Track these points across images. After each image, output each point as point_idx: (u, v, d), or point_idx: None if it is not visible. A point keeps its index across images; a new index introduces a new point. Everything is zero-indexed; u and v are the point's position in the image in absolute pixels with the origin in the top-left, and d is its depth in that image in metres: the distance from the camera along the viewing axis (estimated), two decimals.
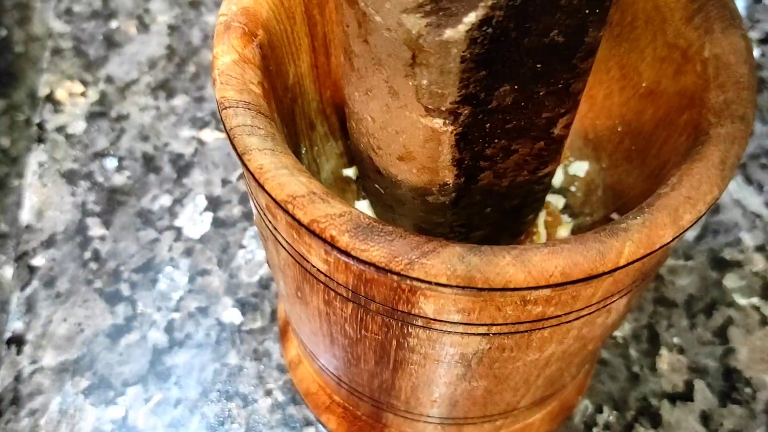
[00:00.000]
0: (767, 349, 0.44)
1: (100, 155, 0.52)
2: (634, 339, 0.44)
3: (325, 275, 0.25)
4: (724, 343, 0.44)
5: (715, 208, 0.50)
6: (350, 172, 0.37)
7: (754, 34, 0.60)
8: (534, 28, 0.21)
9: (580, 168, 0.36)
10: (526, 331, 0.25)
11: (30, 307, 0.45)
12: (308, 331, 0.31)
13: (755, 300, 0.46)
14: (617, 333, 0.44)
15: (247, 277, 0.47)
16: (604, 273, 0.22)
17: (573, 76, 0.24)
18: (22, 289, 0.46)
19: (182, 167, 0.52)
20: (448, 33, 0.21)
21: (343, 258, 0.23)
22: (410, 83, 0.23)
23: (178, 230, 0.49)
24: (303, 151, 0.33)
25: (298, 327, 0.34)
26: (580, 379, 0.40)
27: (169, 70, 0.57)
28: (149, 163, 0.52)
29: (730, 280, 0.47)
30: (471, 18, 0.20)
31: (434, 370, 0.28)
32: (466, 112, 0.24)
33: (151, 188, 0.51)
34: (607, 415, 0.42)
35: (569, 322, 0.25)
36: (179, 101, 0.55)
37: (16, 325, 0.45)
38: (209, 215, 0.49)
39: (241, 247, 0.48)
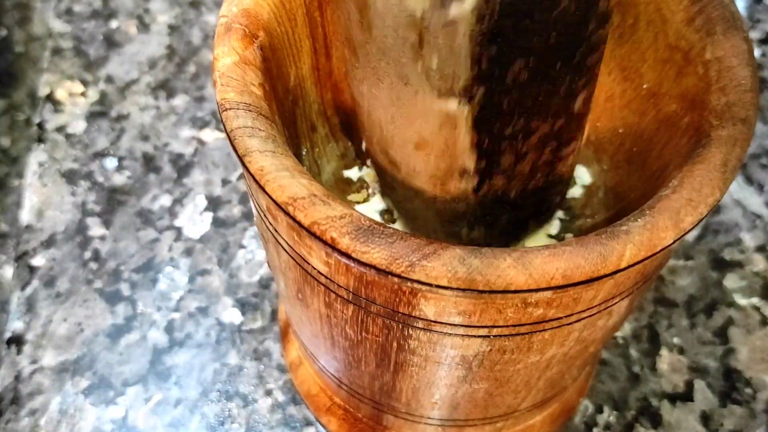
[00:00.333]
0: (767, 349, 0.44)
1: (100, 155, 0.52)
2: (634, 339, 0.44)
3: (326, 277, 0.25)
4: (724, 343, 0.44)
5: (715, 208, 0.50)
6: (351, 173, 0.37)
7: (754, 34, 0.60)
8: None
9: (581, 173, 0.36)
10: (527, 334, 0.25)
11: (30, 306, 0.45)
12: (309, 332, 0.31)
13: (755, 300, 0.46)
14: (617, 333, 0.44)
15: (247, 277, 0.47)
16: (606, 275, 0.22)
17: (587, 48, 0.23)
18: (22, 288, 0.46)
19: (182, 167, 0.51)
20: (454, 10, 0.20)
21: (344, 260, 0.23)
22: (419, 67, 0.23)
23: (178, 230, 0.49)
24: (304, 153, 0.33)
25: (298, 329, 0.34)
26: (581, 380, 0.40)
27: (170, 70, 0.57)
28: (149, 162, 0.52)
29: (731, 281, 0.47)
30: None
31: (435, 372, 0.28)
32: (480, 91, 0.23)
33: (151, 188, 0.50)
34: (608, 415, 0.42)
35: (570, 324, 0.25)
36: (179, 101, 0.55)
37: (16, 325, 0.45)
38: (209, 215, 0.49)
39: (241, 247, 0.48)
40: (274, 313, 0.45)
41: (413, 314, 0.24)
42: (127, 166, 0.52)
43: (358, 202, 0.36)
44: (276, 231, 0.26)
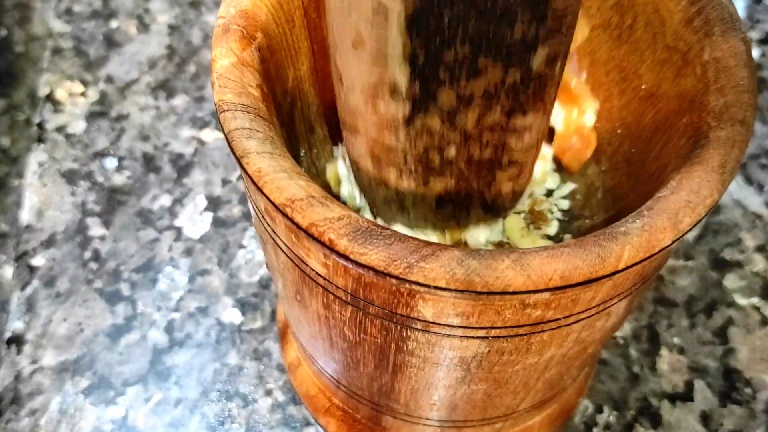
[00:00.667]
0: (767, 349, 0.44)
1: (100, 155, 0.52)
2: (634, 339, 0.44)
3: (324, 279, 0.25)
4: (724, 343, 0.44)
5: (715, 209, 0.50)
6: None
7: (754, 35, 0.60)
8: None
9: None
10: (526, 335, 0.25)
11: (30, 306, 0.45)
12: (307, 334, 0.31)
13: (755, 300, 0.46)
14: (617, 333, 0.44)
15: (247, 276, 0.47)
16: (604, 276, 0.22)
17: None
18: (22, 288, 0.46)
19: (182, 167, 0.52)
20: None
21: (342, 261, 0.23)
22: None
23: (178, 230, 0.49)
24: (302, 154, 0.33)
25: (297, 330, 0.34)
26: (580, 381, 0.40)
27: (169, 70, 0.57)
28: (149, 162, 0.52)
29: (731, 281, 0.47)
30: None
31: (434, 374, 0.28)
32: None
33: (151, 188, 0.51)
34: (607, 415, 0.42)
35: (569, 325, 0.25)
36: (179, 101, 0.55)
37: (16, 325, 0.45)
38: (209, 215, 0.49)
39: (241, 247, 0.48)
40: (274, 313, 0.45)
41: (411, 315, 0.24)
42: (127, 166, 0.52)
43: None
44: (274, 232, 0.26)
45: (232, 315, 0.45)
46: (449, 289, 0.22)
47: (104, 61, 0.57)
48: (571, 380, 0.36)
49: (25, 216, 0.49)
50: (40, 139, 0.53)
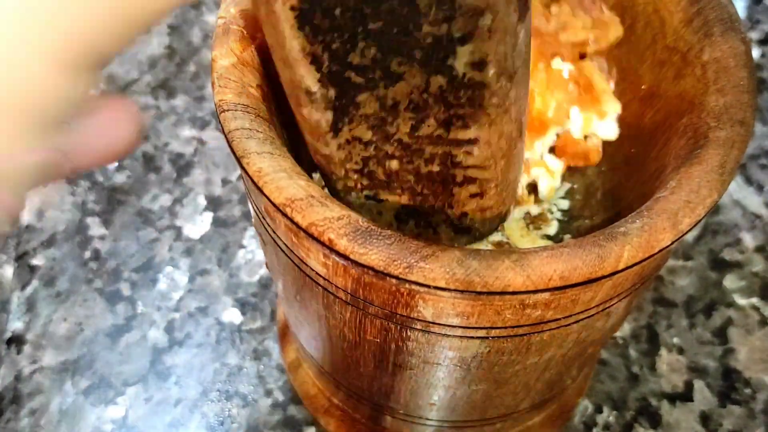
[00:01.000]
0: (767, 349, 0.44)
1: None
2: (633, 339, 0.44)
3: (324, 279, 0.25)
4: (723, 343, 0.44)
5: (715, 209, 0.50)
6: None
7: (754, 35, 0.60)
8: None
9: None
10: (525, 335, 0.25)
11: (30, 306, 0.45)
12: (307, 334, 0.32)
13: (755, 300, 0.46)
14: (617, 333, 0.45)
15: (247, 276, 0.47)
16: (603, 277, 0.22)
17: None
18: (23, 288, 0.46)
19: (182, 167, 0.52)
20: None
21: (342, 261, 0.23)
22: None
23: (178, 230, 0.49)
24: (302, 155, 0.33)
25: (297, 330, 0.34)
26: (579, 381, 0.40)
27: (170, 70, 0.57)
28: (149, 162, 0.52)
29: (730, 281, 0.47)
30: None
31: (433, 374, 0.28)
32: None
33: (151, 188, 0.51)
34: (607, 415, 0.42)
35: (568, 325, 0.25)
36: (179, 101, 0.55)
37: (16, 325, 0.45)
38: (209, 215, 0.49)
39: (241, 246, 0.48)
40: (273, 313, 0.45)
41: (411, 316, 0.24)
42: (127, 166, 0.52)
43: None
44: (274, 232, 0.26)
45: (232, 315, 0.45)
46: (449, 289, 0.22)
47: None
48: (571, 380, 0.36)
49: (26, 216, 0.49)
50: None
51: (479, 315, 0.23)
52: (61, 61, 0.17)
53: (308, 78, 0.22)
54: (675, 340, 0.44)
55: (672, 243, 0.23)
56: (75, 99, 0.19)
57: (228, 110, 0.25)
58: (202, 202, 0.50)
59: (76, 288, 0.46)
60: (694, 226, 0.23)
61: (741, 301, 0.46)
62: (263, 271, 0.47)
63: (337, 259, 0.23)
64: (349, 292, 0.25)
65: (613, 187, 0.34)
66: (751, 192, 0.51)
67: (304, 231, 0.22)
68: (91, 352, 0.44)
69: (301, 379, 0.41)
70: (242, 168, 0.24)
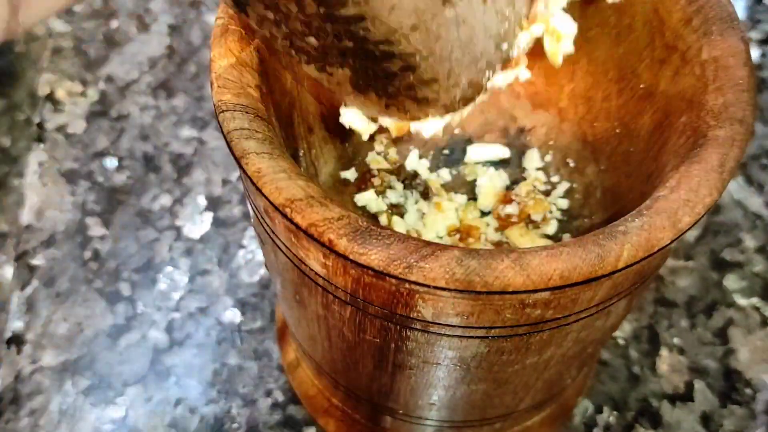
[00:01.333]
0: (767, 349, 0.44)
1: (100, 155, 0.52)
2: (634, 339, 0.44)
3: (324, 279, 0.25)
4: (724, 343, 0.44)
5: (715, 209, 0.50)
6: (348, 174, 0.37)
7: (754, 35, 0.60)
8: None
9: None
10: (525, 334, 0.25)
11: (30, 306, 0.45)
12: (307, 334, 0.31)
13: (755, 300, 0.46)
14: (617, 333, 0.44)
15: (247, 276, 0.47)
16: (603, 276, 0.22)
17: None
18: (22, 288, 0.46)
19: (182, 167, 0.52)
20: None
21: (342, 262, 0.23)
22: None
23: (178, 230, 0.49)
24: (301, 154, 0.33)
25: (296, 330, 0.34)
26: (579, 381, 0.40)
27: (170, 70, 0.57)
28: (149, 162, 0.52)
29: (731, 281, 0.47)
30: None
31: (433, 374, 0.28)
32: None
33: (151, 188, 0.51)
34: (608, 416, 0.42)
35: (568, 325, 0.25)
36: (179, 101, 0.55)
37: (16, 325, 0.45)
38: (209, 215, 0.49)
39: (241, 247, 0.48)
40: (273, 313, 0.45)
41: (411, 315, 0.24)
42: (127, 166, 0.52)
43: (377, 189, 0.36)
44: (273, 233, 0.26)
45: (232, 315, 0.45)
46: (449, 289, 0.22)
47: (104, 61, 0.57)
48: (571, 380, 0.36)
49: (26, 216, 0.49)
50: (40, 139, 0.53)
51: (479, 314, 0.23)
52: None
53: None
54: (676, 340, 0.44)
55: (671, 242, 0.22)
56: None
57: (227, 110, 0.25)
58: (202, 202, 0.50)
59: (76, 288, 0.46)
60: (694, 224, 0.23)
61: (742, 301, 0.46)
62: (263, 271, 0.47)
63: (336, 259, 0.23)
64: (348, 292, 0.25)
65: (612, 186, 0.34)
66: (752, 192, 0.51)
67: (304, 231, 0.22)
68: (91, 352, 0.44)
69: (300, 379, 0.41)
70: (241, 168, 0.24)
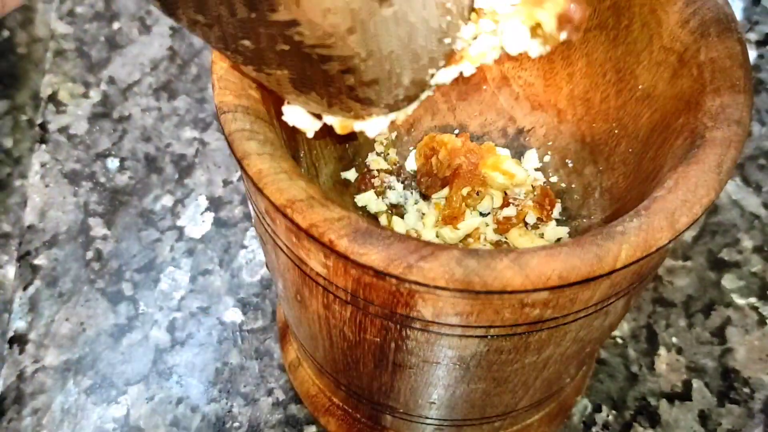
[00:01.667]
0: (765, 348, 0.44)
1: (103, 156, 0.52)
2: (632, 339, 0.44)
3: (325, 279, 0.25)
4: (722, 343, 0.45)
5: (713, 209, 0.50)
6: (349, 175, 0.37)
7: (752, 36, 0.60)
8: None
9: None
10: (524, 334, 0.25)
11: (32, 306, 0.46)
12: (307, 334, 0.32)
13: (753, 300, 0.46)
14: (616, 333, 0.45)
15: (248, 276, 0.47)
16: (602, 276, 0.22)
17: None
18: (25, 288, 0.46)
19: (184, 168, 0.52)
20: None
21: (342, 262, 0.23)
22: None
23: (180, 230, 0.49)
24: (301, 155, 0.34)
25: (297, 330, 0.34)
26: (578, 380, 0.40)
27: (171, 72, 0.57)
28: (151, 163, 0.52)
29: (729, 281, 0.47)
30: None
31: (433, 373, 0.28)
32: None
33: (153, 189, 0.51)
34: (606, 415, 0.42)
35: (567, 324, 0.25)
36: (181, 102, 0.55)
37: (18, 325, 0.45)
38: (211, 215, 0.50)
39: (243, 247, 0.48)
40: (275, 313, 0.45)
41: (411, 315, 0.24)
42: (129, 167, 0.52)
43: (377, 190, 0.36)
44: (274, 233, 0.26)
45: (233, 315, 0.45)
46: (448, 289, 0.22)
47: (106, 63, 0.58)
48: (570, 379, 0.36)
49: (28, 216, 0.49)
50: (43, 140, 0.53)
51: (478, 314, 0.24)
52: None
53: None
54: (674, 339, 0.45)
55: (669, 242, 0.23)
56: None
57: (228, 112, 0.25)
58: (204, 202, 0.50)
59: (78, 288, 0.46)
60: (691, 225, 0.23)
61: (739, 300, 0.46)
62: (264, 271, 0.47)
63: (337, 259, 0.23)
64: (349, 291, 0.25)
65: (610, 186, 0.34)
66: (750, 192, 0.51)
67: (305, 232, 0.22)
68: (93, 352, 0.44)
69: (301, 378, 0.41)
70: (243, 169, 0.24)
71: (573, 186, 0.36)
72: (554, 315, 0.24)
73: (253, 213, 0.28)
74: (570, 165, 0.37)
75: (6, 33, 0.60)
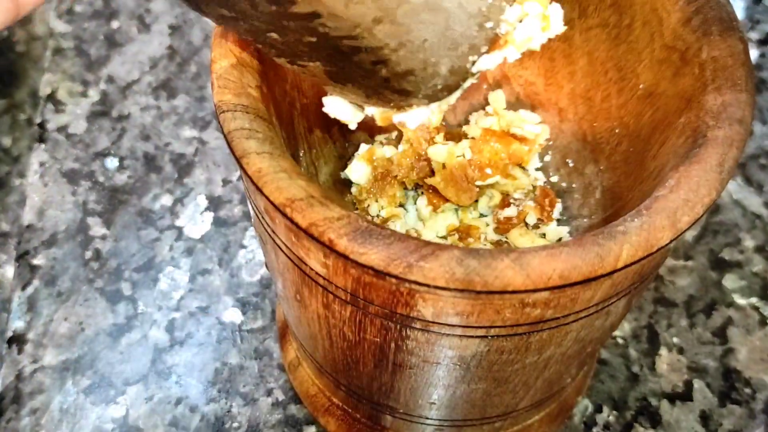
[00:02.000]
0: (766, 349, 0.44)
1: (101, 155, 0.52)
2: (633, 339, 0.44)
3: (324, 278, 0.25)
4: (723, 343, 0.44)
5: (714, 209, 0.50)
6: (348, 174, 0.37)
7: (754, 35, 0.60)
8: None
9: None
10: (525, 334, 0.25)
11: (31, 306, 0.45)
12: (307, 333, 0.32)
13: (755, 300, 0.46)
14: (617, 333, 0.45)
15: (247, 276, 0.47)
16: (603, 275, 0.22)
17: None
18: (24, 288, 0.46)
19: (183, 167, 0.52)
20: None
21: (342, 261, 0.23)
22: None
23: (179, 230, 0.49)
24: (301, 154, 0.34)
25: (296, 330, 0.34)
26: (579, 380, 0.40)
27: (170, 70, 0.57)
28: (150, 162, 0.52)
29: (730, 281, 0.47)
30: None
31: (433, 373, 0.28)
32: None
33: (152, 188, 0.51)
34: (607, 415, 0.42)
35: (568, 324, 0.25)
36: (180, 101, 0.55)
37: (17, 324, 0.45)
38: (210, 215, 0.49)
39: (242, 246, 0.48)
40: (274, 313, 0.45)
41: (411, 315, 0.24)
42: (128, 166, 0.52)
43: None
44: (274, 232, 0.26)
45: (232, 314, 0.45)
46: (449, 289, 0.22)
47: (105, 61, 0.57)
48: (571, 379, 0.36)
49: (27, 215, 0.49)
50: (42, 139, 0.53)
51: (479, 314, 0.24)
52: None
53: None
54: (675, 339, 0.44)
55: (671, 241, 0.23)
56: None
57: (227, 111, 0.25)
58: (203, 202, 0.50)
59: (77, 287, 0.46)
60: (693, 224, 0.23)
61: (741, 300, 0.46)
62: (264, 270, 0.47)
63: (337, 259, 0.23)
64: (349, 291, 0.25)
65: (611, 186, 0.34)
66: (751, 192, 0.51)
67: (304, 231, 0.22)
68: (92, 352, 0.44)
69: (300, 378, 0.41)
70: (242, 168, 0.24)
71: (574, 185, 0.36)
72: (555, 315, 0.24)
73: (252, 212, 0.28)
74: (571, 164, 0.36)
75: (5, 31, 0.59)
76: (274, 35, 0.23)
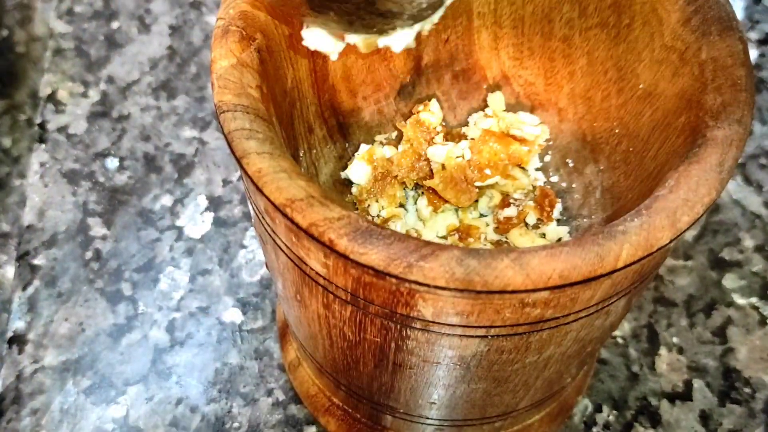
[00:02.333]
0: (766, 348, 0.44)
1: (102, 155, 0.52)
2: (633, 338, 0.44)
3: (324, 278, 0.25)
4: (723, 342, 0.45)
5: (714, 208, 0.50)
6: (349, 174, 0.37)
7: (753, 35, 0.60)
8: None
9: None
10: (525, 334, 0.25)
11: (31, 306, 0.45)
12: (307, 333, 0.32)
13: (754, 300, 0.46)
14: (617, 332, 0.45)
15: (248, 276, 0.47)
16: (602, 275, 0.22)
17: None
18: (24, 288, 0.46)
19: (183, 167, 0.52)
20: None
21: (342, 261, 0.23)
22: None
23: (179, 230, 0.49)
24: (301, 154, 0.34)
25: (297, 329, 0.34)
26: (579, 380, 0.40)
27: (171, 71, 0.57)
28: (150, 163, 0.52)
29: (730, 280, 0.47)
30: None
31: (433, 373, 0.28)
32: None
33: (153, 188, 0.51)
34: (607, 415, 0.42)
35: (568, 324, 0.25)
36: (180, 101, 0.55)
37: (17, 325, 0.45)
38: (210, 215, 0.49)
39: (242, 246, 0.48)
40: (274, 313, 0.45)
41: (411, 315, 0.24)
42: (128, 166, 0.52)
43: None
44: (274, 232, 0.26)
45: (233, 315, 0.45)
46: (449, 289, 0.22)
47: (105, 62, 0.57)
48: (571, 379, 0.36)
49: (27, 216, 0.49)
50: (42, 140, 0.53)
51: (479, 314, 0.24)
52: None
53: None
54: (675, 339, 0.45)
55: (671, 241, 0.23)
56: None
57: (228, 111, 0.25)
58: (203, 202, 0.50)
59: (77, 288, 0.46)
60: (693, 224, 0.23)
61: (741, 300, 0.46)
62: (264, 271, 0.47)
63: (337, 259, 0.23)
64: (349, 291, 0.25)
65: (611, 185, 0.34)
66: (751, 192, 0.51)
67: (305, 231, 0.22)
68: (92, 352, 0.44)
69: (301, 378, 0.41)
70: (242, 168, 0.24)
71: (574, 185, 0.36)
72: (555, 315, 0.24)
73: (252, 212, 0.28)
74: (571, 164, 0.36)
75: (5, 32, 0.59)
76: None
